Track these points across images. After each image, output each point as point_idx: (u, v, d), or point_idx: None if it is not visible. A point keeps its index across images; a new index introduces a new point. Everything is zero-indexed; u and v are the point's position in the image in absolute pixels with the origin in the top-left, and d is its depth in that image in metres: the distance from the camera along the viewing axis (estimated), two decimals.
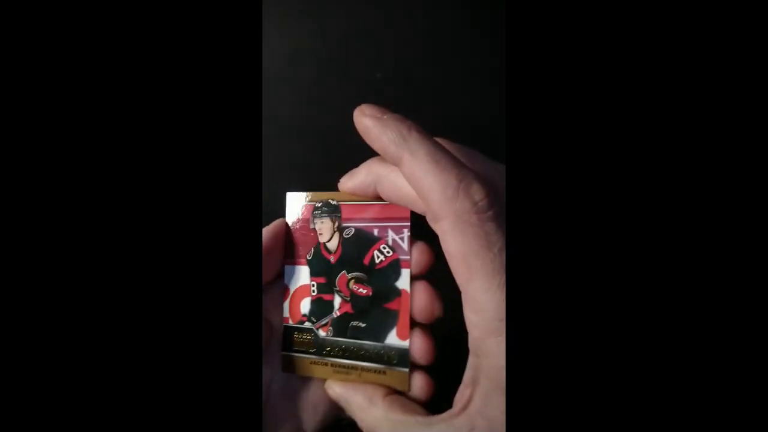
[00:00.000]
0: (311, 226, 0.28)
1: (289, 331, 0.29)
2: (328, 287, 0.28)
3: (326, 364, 0.28)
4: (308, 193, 0.29)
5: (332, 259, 0.28)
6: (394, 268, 0.27)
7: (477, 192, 0.22)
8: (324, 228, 0.28)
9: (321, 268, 0.28)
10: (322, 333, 0.28)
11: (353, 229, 0.28)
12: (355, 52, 0.45)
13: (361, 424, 0.26)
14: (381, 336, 0.27)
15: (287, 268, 0.29)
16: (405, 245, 0.27)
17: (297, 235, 0.29)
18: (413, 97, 0.44)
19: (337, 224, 0.28)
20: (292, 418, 0.28)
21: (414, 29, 0.45)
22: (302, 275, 0.29)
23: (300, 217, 0.29)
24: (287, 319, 0.29)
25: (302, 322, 0.28)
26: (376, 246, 0.27)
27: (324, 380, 0.28)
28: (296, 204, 0.29)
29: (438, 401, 0.26)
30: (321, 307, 0.28)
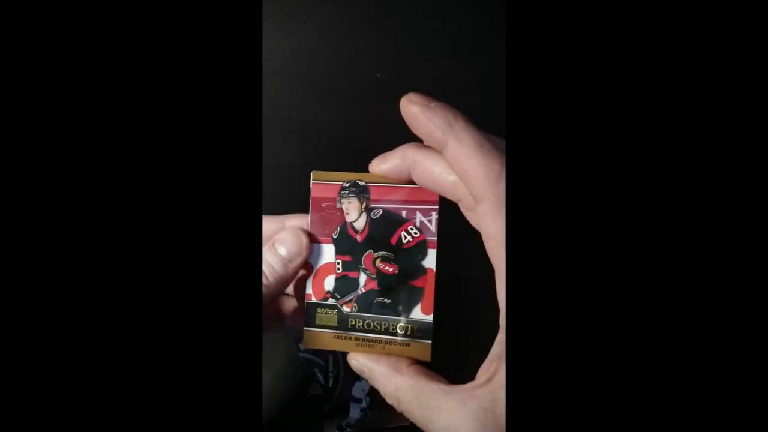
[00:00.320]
0: (338, 206, 0.30)
1: (311, 307, 0.30)
2: (353, 265, 0.30)
3: (350, 338, 0.30)
4: (333, 172, 0.30)
5: (359, 238, 0.30)
6: (420, 248, 0.29)
7: None
8: (351, 208, 0.30)
9: (347, 246, 0.30)
10: (346, 309, 0.30)
11: (381, 210, 0.30)
12: (355, 51, 0.47)
13: (384, 390, 0.28)
14: (406, 311, 0.29)
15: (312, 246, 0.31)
16: (433, 227, 0.29)
17: (323, 214, 0.30)
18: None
19: (365, 204, 0.30)
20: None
21: (414, 29, 0.48)
22: (327, 253, 0.30)
23: (326, 195, 0.30)
24: (310, 296, 0.30)
25: (326, 299, 0.30)
26: (403, 227, 0.30)
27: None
28: (320, 182, 0.30)
29: (463, 374, 0.29)
30: (346, 284, 0.30)
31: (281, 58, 0.47)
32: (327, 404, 0.44)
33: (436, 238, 0.29)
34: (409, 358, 0.29)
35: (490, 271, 0.27)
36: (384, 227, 0.30)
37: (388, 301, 0.30)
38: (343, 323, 0.30)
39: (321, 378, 0.44)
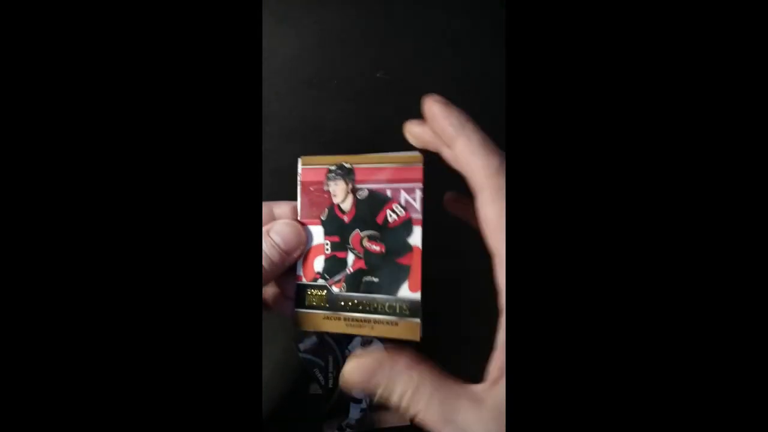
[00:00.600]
0: (325, 188, 0.31)
1: (302, 288, 0.31)
2: (341, 245, 0.31)
3: (339, 319, 0.31)
4: (321, 156, 0.32)
5: (346, 218, 0.31)
6: (406, 226, 0.30)
7: None
8: (338, 190, 0.31)
9: (335, 227, 0.31)
10: (335, 289, 0.31)
11: (366, 191, 0.31)
12: (355, 51, 0.49)
13: (400, 388, 0.27)
14: (393, 289, 0.30)
15: None
16: (417, 205, 0.30)
17: (311, 197, 0.31)
18: (413, 97, 0.48)
19: (350, 186, 0.31)
20: None
21: (414, 29, 0.49)
22: (316, 235, 0.32)
23: (314, 179, 0.32)
24: (300, 277, 0.32)
25: (315, 280, 0.31)
26: (388, 206, 0.31)
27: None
28: (309, 166, 0.32)
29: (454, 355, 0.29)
30: (335, 265, 0.31)
31: (281, 58, 0.48)
32: (327, 404, 0.44)
33: (421, 215, 0.30)
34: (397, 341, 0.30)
35: (487, 256, 0.28)
36: (370, 207, 0.31)
37: (376, 280, 0.30)
38: (333, 303, 0.31)
39: (321, 378, 0.45)
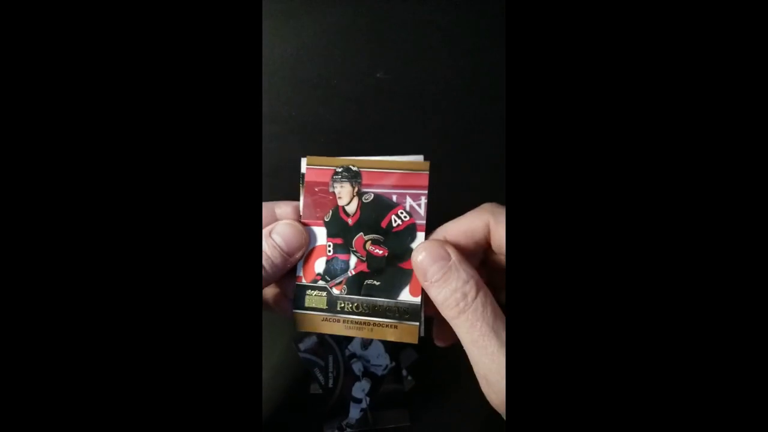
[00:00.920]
0: (330, 190, 0.32)
1: (301, 289, 0.32)
2: (344, 248, 0.32)
3: (338, 321, 0.32)
4: (326, 157, 0.33)
5: (350, 221, 0.32)
6: (410, 231, 0.32)
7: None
8: (343, 192, 0.32)
9: (338, 229, 0.32)
10: (335, 291, 0.32)
11: (372, 195, 0.32)
12: (355, 51, 0.50)
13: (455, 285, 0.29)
14: (394, 293, 0.32)
15: None
16: (422, 211, 0.32)
17: (315, 198, 0.32)
18: (414, 97, 0.49)
19: (356, 189, 0.32)
20: None
21: (414, 29, 0.50)
22: (318, 236, 0.33)
23: (318, 180, 0.33)
24: (300, 278, 0.33)
25: (316, 281, 0.33)
26: (393, 211, 0.32)
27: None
28: (314, 167, 0.33)
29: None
30: (336, 267, 0.32)
31: (281, 58, 0.49)
32: (327, 404, 0.45)
33: (424, 222, 0.32)
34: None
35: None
36: (375, 211, 0.32)
37: (378, 283, 0.32)
38: (332, 305, 0.32)
39: (321, 378, 0.46)
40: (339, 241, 0.32)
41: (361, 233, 0.32)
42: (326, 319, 0.32)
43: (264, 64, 0.48)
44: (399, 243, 0.32)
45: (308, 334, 0.46)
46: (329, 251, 0.32)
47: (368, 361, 0.45)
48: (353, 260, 0.32)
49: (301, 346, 0.46)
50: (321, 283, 0.32)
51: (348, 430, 0.45)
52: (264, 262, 0.31)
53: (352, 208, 0.32)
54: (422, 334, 0.32)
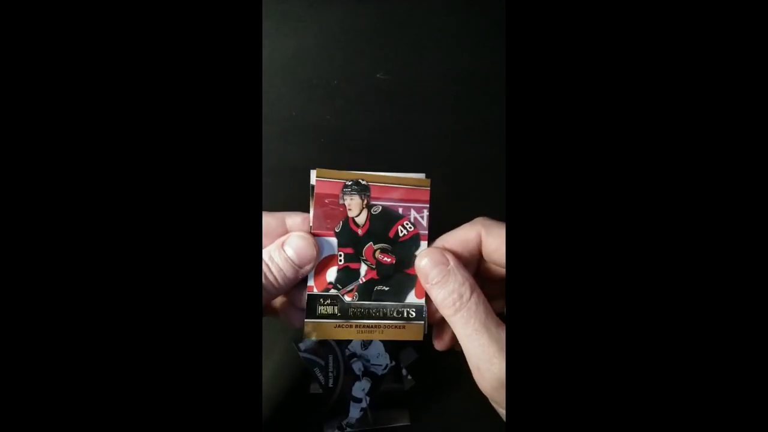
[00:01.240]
0: (341, 202, 0.34)
1: (313, 299, 0.35)
2: (355, 257, 0.35)
3: (351, 326, 0.35)
4: (336, 170, 0.34)
5: (360, 231, 0.35)
6: (414, 240, 0.35)
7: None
8: (353, 204, 0.34)
9: (349, 239, 0.35)
10: (347, 298, 0.35)
11: (381, 207, 0.35)
12: (355, 51, 0.51)
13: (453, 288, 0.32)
14: (402, 296, 0.35)
15: None
16: (425, 222, 0.35)
17: (326, 209, 0.34)
18: (414, 97, 0.50)
19: (366, 201, 0.35)
20: None
21: (414, 30, 0.51)
22: (329, 246, 0.35)
23: (328, 192, 0.34)
24: (312, 287, 0.35)
25: (327, 290, 0.35)
26: (400, 222, 0.35)
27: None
28: (323, 179, 0.34)
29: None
30: (347, 275, 0.35)
31: (281, 58, 0.50)
32: (327, 404, 0.47)
33: (427, 232, 0.35)
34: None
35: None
36: (383, 222, 0.35)
37: (387, 289, 0.35)
38: (345, 312, 0.35)
39: (321, 378, 0.47)
40: (350, 250, 0.35)
41: (371, 243, 0.35)
42: (339, 326, 0.35)
43: (264, 64, 0.49)
44: (405, 251, 0.35)
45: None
46: (340, 260, 0.35)
47: (368, 361, 0.47)
48: (364, 268, 0.35)
49: (301, 346, 0.47)
50: (333, 291, 0.35)
51: (348, 429, 0.46)
52: (276, 274, 0.32)
53: (361, 219, 0.35)
54: (426, 332, 0.35)
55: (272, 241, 0.33)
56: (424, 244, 0.35)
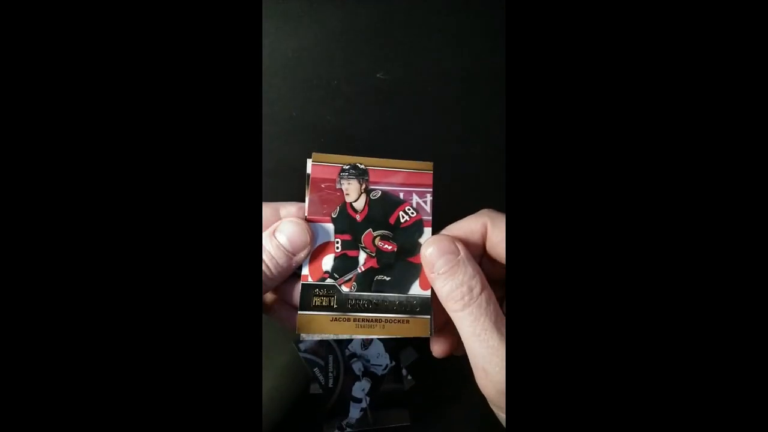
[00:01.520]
0: (338, 186, 0.33)
1: (307, 289, 0.33)
2: (353, 244, 0.33)
3: (348, 320, 0.33)
4: (333, 154, 0.34)
5: (358, 217, 0.34)
6: (417, 227, 0.33)
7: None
8: (351, 189, 0.33)
9: (346, 225, 0.34)
10: (345, 289, 0.33)
11: (380, 192, 0.33)
12: (355, 51, 0.51)
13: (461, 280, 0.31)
14: (405, 288, 0.33)
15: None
16: (428, 207, 0.33)
17: (322, 194, 0.33)
18: (414, 97, 0.50)
19: (364, 186, 0.34)
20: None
21: (414, 30, 0.52)
22: (325, 233, 0.33)
23: (325, 176, 0.34)
24: (306, 276, 0.33)
25: (323, 279, 0.33)
26: (401, 207, 0.33)
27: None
28: (320, 164, 0.34)
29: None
30: (345, 263, 0.33)
31: (281, 58, 0.51)
32: (327, 404, 0.46)
33: (431, 218, 0.33)
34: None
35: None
36: (383, 207, 0.34)
37: (388, 278, 0.33)
38: (342, 304, 0.33)
39: (321, 378, 0.47)
40: (347, 237, 0.33)
41: (370, 229, 0.33)
42: (335, 319, 0.32)
43: (264, 64, 0.50)
44: (407, 238, 0.33)
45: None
46: (337, 248, 0.33)
47: (368, 361, 0.46)
48: (362, 256, 0.33)
49: (301, 346, 0.47)
50: (329, 281, 0.33)
51: (348, 429, 0.46)
52: (268, 263, 0.31)
53: (360, 204, 0.34)
54: (432, 332, 0.33)
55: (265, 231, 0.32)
56: (428, 230, 0.33)
